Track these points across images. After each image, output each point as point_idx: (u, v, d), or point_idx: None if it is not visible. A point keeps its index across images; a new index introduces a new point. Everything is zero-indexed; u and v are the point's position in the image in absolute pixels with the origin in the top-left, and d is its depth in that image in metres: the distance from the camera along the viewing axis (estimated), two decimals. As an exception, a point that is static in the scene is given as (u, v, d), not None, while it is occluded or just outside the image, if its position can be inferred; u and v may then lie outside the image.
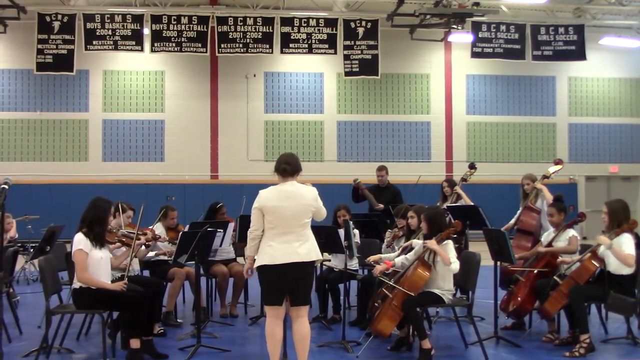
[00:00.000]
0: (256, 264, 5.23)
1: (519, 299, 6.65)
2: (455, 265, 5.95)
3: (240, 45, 16.85)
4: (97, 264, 5.84)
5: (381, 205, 9.47)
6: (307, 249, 5.18)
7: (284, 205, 5.15)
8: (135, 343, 5.79)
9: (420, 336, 5.90)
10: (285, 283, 5.15)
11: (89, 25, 16.32)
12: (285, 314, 5.35)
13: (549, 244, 6.82)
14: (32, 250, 10.24)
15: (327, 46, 17.05)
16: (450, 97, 20.50)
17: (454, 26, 16.83)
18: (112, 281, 6.12)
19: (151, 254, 7.54)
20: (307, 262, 5.17)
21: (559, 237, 6.80)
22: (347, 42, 17.14)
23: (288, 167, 5.28)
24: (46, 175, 18.58)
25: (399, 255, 6.56)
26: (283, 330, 5.42)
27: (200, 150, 19.44)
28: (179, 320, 7.68)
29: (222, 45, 16.85)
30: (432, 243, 6.01)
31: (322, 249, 6.97)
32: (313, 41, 16.93)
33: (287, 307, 5.30)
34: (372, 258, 6.70)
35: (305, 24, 16.90)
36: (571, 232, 6.80)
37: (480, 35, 17.25)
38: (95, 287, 5.79)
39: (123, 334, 6.10)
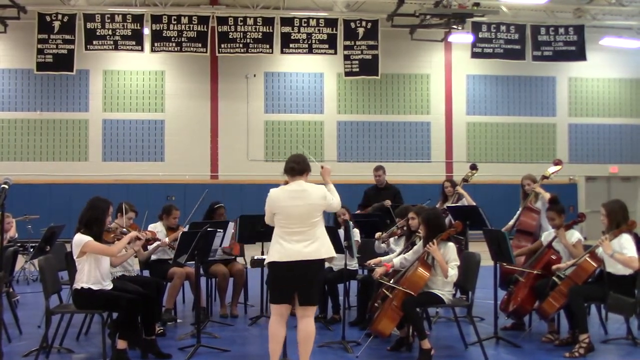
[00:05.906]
0: (266, 261, 5.36)
1: (519, 299, 6.64)
2: (453, 277, 5.96)
3: (241, 45, 16.85)
4: (97, 262, 5.85)
5: (388, 201, 9.42)
6: (315, 247, 5.20)
7: (292, 205, 5.22)
8: (122, 344, 5.79)
9: (420, 336, 5.91)
10: (293, 282, 5.19)
11: (89, 25, 16.33)
12: (289, 313, 5.36)
13: (550, 244, 6.81)
14: (32, 250, 10.23)
15: (327, 46, 17.05)
16: (450, 97, 20.48)
17: (454, 26, 16.85)
18: (113, 280, 6.17)
19: (153, 257, 7.54)
20: (313, 260, 5.18)
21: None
22: (347, 42, 17.14)
23: (296, 167, 5.36)
24: (46, 175, 18.56)
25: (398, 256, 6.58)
26: (285, 330, 5.40)
27: (200, 150, 19.43)
28: (178, 321, 7.68)
29: (222, 45, 16.86)
30: (434, 250, 6.00)
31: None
32: (313, 41, 16.93)
33: (292, 307, 5.32)
34: (372, 261, 6.70)
35: (306, 24, 16.90)
36: (576, 235, 6.76)
37: (480, 36, 17.26)
38: (119, 250, 6.04)
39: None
